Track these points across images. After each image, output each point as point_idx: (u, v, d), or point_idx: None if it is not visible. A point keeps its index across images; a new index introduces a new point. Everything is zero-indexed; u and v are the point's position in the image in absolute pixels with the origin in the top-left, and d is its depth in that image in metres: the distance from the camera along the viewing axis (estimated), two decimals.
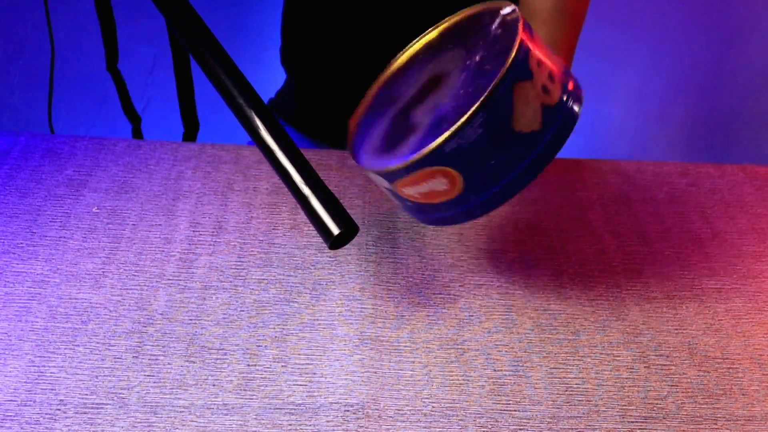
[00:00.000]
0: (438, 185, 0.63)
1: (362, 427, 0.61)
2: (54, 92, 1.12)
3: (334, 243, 0.64)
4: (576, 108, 0.64)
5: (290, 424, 0.61)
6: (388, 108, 0.70)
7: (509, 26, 0.65)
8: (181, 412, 0.61)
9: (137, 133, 1.05)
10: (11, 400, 0.61)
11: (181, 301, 0.70)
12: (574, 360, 0.68)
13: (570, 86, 0.64)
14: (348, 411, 0.62)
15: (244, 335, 0.67)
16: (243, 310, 0.70)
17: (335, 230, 0.63)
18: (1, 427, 0.59)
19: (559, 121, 0.62)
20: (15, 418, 0.60)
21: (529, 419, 0.63)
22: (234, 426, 0.60)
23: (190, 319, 0.68)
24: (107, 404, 0.61)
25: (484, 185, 0.63)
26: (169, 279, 0.72)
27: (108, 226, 0.77)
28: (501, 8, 0.67)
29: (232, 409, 0.61)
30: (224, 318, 0.69)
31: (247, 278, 0.73)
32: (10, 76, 1.62)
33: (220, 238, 0.77)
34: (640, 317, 0.72)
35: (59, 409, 0.60)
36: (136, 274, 0.72)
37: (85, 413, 0.60)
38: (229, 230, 0.78)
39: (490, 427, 0.62)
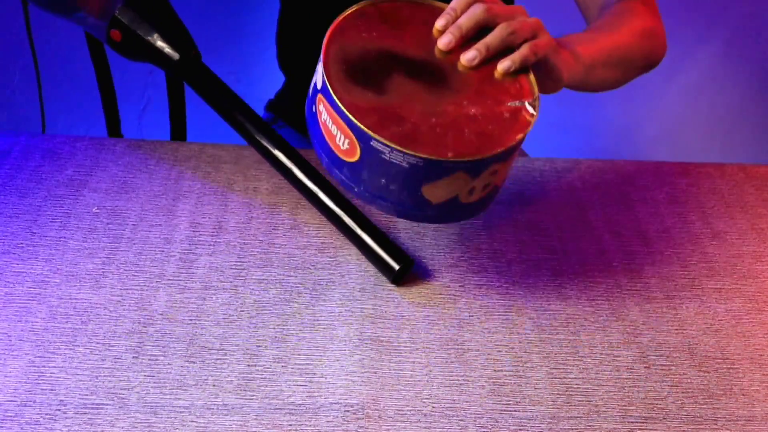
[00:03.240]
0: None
1: (362, 427, 0.61)
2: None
3: (396, 278, 0.72)
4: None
5: (290, 425, 0.61)
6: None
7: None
8: (181, 412, 0.61)
9: None
10: (11, 400, 0.61)
11: (181, 301, 0.70)
12: (574, 360, 0.68)
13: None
14: (348, 411, 0.62)
15: (244, 335, 0.67)
16: (243, 310, 0.70)
17: (396, 266, 0.72)
18: (1, 427, 0.59)
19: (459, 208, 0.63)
20: (15, 418, 0.59)
21: (529, 419, 0.63)
22: (234, 426, 0.60)
23: (190, 319, 0.68)
24: (107, 404, 0.61)
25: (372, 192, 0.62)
26: (169, 279, 0.72)
27: (108, 226, 0.77)
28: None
29: (232, 410, 0.61)
30: (224, 318, 0.69)
31: (247, 278, 0.73)
32: (9, 77, 1.62)
33: (220, 238, 0.77)
34: (640, 317, 0.72)
35: (59, 409, 0.60)
36: (136, 274, 0.72)
37: (85, 413, 0.60)
38: (229, 230, 0.78)
39: (490, 427, 0.62)
